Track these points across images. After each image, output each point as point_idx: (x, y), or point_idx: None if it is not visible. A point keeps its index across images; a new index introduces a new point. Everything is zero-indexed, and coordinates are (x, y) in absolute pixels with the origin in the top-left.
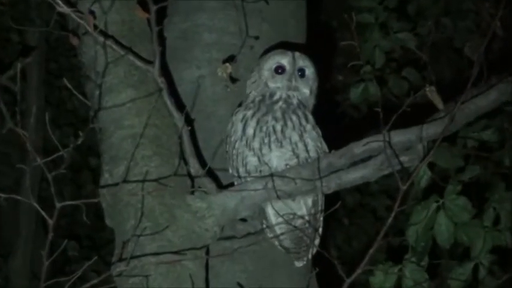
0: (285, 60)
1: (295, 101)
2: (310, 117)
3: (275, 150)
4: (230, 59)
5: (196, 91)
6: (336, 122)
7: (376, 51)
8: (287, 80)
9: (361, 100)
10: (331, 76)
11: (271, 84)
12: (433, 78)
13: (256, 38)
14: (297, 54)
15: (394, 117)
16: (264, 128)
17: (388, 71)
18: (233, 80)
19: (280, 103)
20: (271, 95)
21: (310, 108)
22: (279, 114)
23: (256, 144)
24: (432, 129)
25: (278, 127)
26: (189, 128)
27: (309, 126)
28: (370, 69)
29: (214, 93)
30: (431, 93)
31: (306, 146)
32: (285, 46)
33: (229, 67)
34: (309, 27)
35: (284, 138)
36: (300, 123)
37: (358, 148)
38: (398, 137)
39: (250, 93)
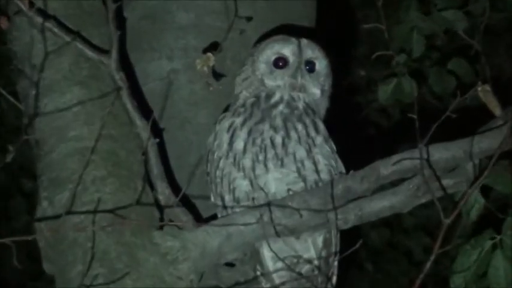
0: (287, 49)
1: (301, 105)
2: (322, 126)
3: (273, 170)
4: (213, 47)
5: (167, 90)
6: (357, 132)
7: (413, 36)
8: (291, 76)
9: (392, 102)
10: (351, 70)
11: (269, 82)
12: (488, 74)
13: (249, 19)
14: (304, 41)
15: (435, 125)
16: (259, 141)
17: (428, 63)
18: (217, 75)
19: (281, 107)
20: (269, 96)
21: (321, 115)
22: (279, 122)
23: (247, 163)
24: (486, 143)
25: (278, 139)
26: (158, 140)
27: (319, 139)
28: (404, 60)
29: (191, 93)
30: (485, 93)
31: (315, 165)
32: (288, 31)
33: (211, 58)
34: (320, 5)
35: (286, 155)
36: (308, 135)
37: (386, 168)
38: (441, 152)
39: (240, 93)
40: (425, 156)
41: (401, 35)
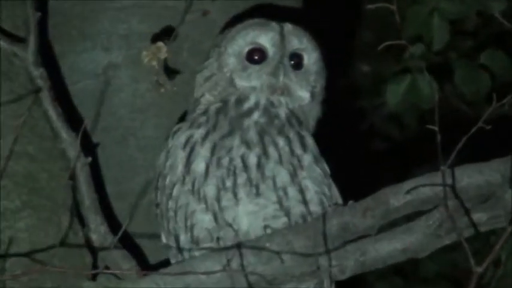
0: (266, 38)
1: (283, 112)
2: (311, 140)
3: (246, 201)
4: (165, 34)
5: (103, 92)
6: (359, 148)
7: (434, 20)
8: (270, 74)
9: (405, 108)
10: (352, 65)
11: (241, 82)
12: None
13: None
14: (289, 27)
15: (463, 139)
16: (226, 161)
17: (454, 55)
18: (170, 72)
19: (256, 116)
20: (240, 100)
21: (311, 125)
22: (253, 135)
23: (210, 191)
24: None
25: (252, 159)
26: (90, 159)
27: (307, 158)
28: (421, 51)
29: (135, 96)
30: None
31: (302, 193)
32: (267, 12)
33: (163, 49)
34: None
35: (263, 180)
36: (292, 153)
37: (397, 197)
38: (471, 176)
39: (201, 97)
40: (449, 181)
41: (417, 18)
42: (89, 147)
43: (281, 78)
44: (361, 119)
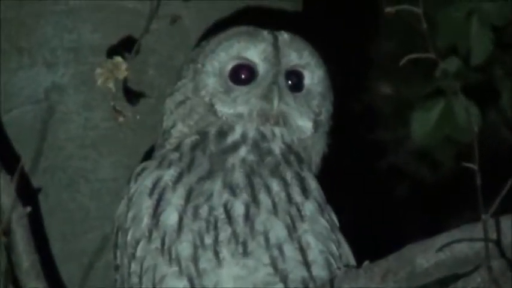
0: (255, 50)
1: (277, 148)
2: (314, 183)
3: (231, 263)
4: (125, 46)
5: (45, 122)
6: (377, 191)
7: (472, 28)
8: (261, 97)
9: (435, 140)
10: (367, 86)
11: (224, 109)
12: None
13: None
14: (285, 37)
15: (510, 181)
16: (204, 211)
17: (499, 72)
18: (132, 96)
19: (244, 152)
20: (223, 132)
21: (314, 163)
22: (239, 177)
23: (185, 250)
24: None
25: (238, 208)
26: (29, 209)
27: (309, 206)
28: (457, 67)
29: (87, 127)
30: None
31: (302, 252)
32: (257, 18)
33: (122, 66)
34: None
35: (252, 236)
36: (290, 199)
37: (425, 256)
38: None
39: (172, 128)
40: (493, 235)
41: (451, 23)
42: (28, 193)
43: (275, 102)
44: (381, 154)
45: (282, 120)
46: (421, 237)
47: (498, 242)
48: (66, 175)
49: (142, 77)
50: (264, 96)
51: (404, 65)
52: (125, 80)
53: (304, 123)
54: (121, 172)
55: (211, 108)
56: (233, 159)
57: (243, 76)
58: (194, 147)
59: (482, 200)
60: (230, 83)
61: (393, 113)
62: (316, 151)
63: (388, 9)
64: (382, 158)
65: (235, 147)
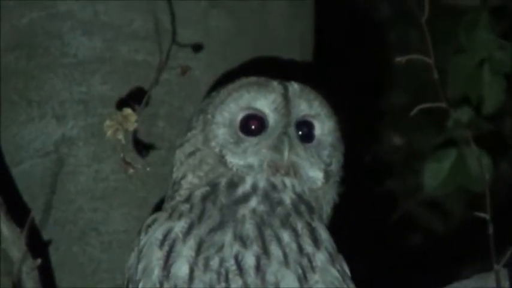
0: (265, 101)
1: (288, 198)
2: (325, 234)
3: None
4: (135, 97)
5: (55, 175)
6: (388, 241)
7: (484, 75)
8: (271, 148)
9: (447, 191)
10: (378, 137)
11: (234, 160)
12: None
13: (198, 48)
14: (295, 88)
15: None
16: (216, 263)
17: (511, 121)
18: (142, 148)
19: (254, 202)
20: (234, 183)
21: (325, 214)
22: (249, 228)
23: None
24: None
25: (249, 260)
26: (40, 261)
27: (321, 257)
28: (468, 117)
29: (97, 179)
30: None
31: None
32: (267, 69)
33: (131, 118)
34: (321, 23)
35: (263, 287)
36: (301, 250)
37: None
38: None
39: (183, 179)
40: (506, 285)
41: (462, 72)
42: (38, 246)
43: (286, 153)
44: (392, 205)
45: (293, 170)
46: (433, 287)
47: None
48: (77, 227)
49: (152, 128)
50: (274, 147)
51: (415, 116)
52: (135, 132)
53: (315, 174)
54: (131, 224)
55: (221, 159)
56: (243, 210)
57: (253, 127)
58: (204, 198)
59: (494, 249)
60: (240, 134)
61: (404, 163)
62: (327, 201)
63: (399, 59)
64: (394, 208)
65: (245, 198)
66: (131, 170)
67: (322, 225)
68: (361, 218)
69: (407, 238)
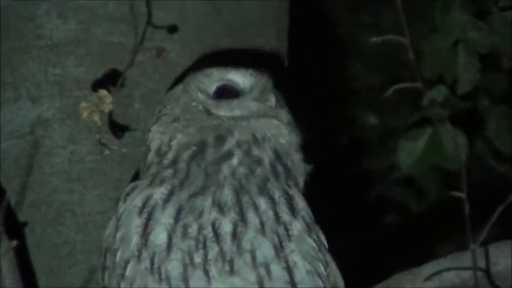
0: (238, 73)
1: (267, 158)
2: (302, 203)
3: (218, 281)
4: (110, 79)
5: (31, 156)
6: (366, 219)
7: (459, 56)
8: (256, 98)
9: (422, 169)
10: (353, 117)
11: (220, 113)
12: None
13: (173, 30)
14: (266, 81)
15: (498, 209)
16: (194, 230)
17: (486, 100)
18: (118, 129)
19: (236, 161)
20: (222, 137)
21: (300, 181)
22: (228, 195)
23: (175, 269)
24: None
25: (226, 227)
26: (15, 243)
27: (297, 226)
28: (443, 95)
29: (72, 161)
30: None
31: (289, 272)
32: (243, 56)
33: (107, 99)
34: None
35: (239, 254)
36: (278, 219)
37: (411, 285)
38: (509, 257)
39: (172, 140)
40: (482, 264)
41: (438, 52)
42: (14, 227)
43: (272, 99)
44: (368, 184)
45: (280, 119)
46: (409, 266)
47: (487, 271)
48: (52, 209)
49: (128, 110)
50: (259, 98)
51: (390, 96)
52: (110, 114)
53: (291, 138)
54: (107, 205)
55: (209, 112)
56: (225, 170)
57: (228, 96)
58: (191, 159)
59: (470, 228)
60: (217, 100)
61: (379, 143)
62: (300, 172)
63: (374, 39)
64: (370, 188)
65: (229, 154)
66: (107, 152)
67: (300, 194)
68: (337, 197)
69: (383, 217)
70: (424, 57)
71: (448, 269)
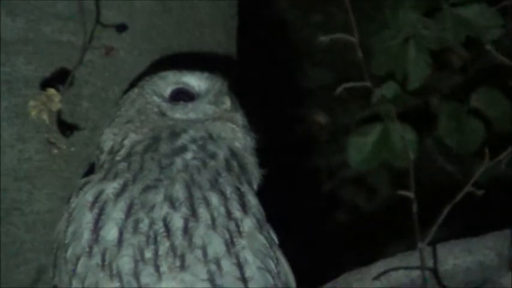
0: (194, 77)
1: (222, 153)
2: (254, 200)
3: (169, 276)
4: (58, 78)
5: None
6: (314, 218)
7: (410, 52)
8: (212, 102)
9: (371, 166)
10: (304, 116)
11: (175, 115)
12: None
13: (121, 28)
14: (221, 81)
15: (446, 208)
16: (145, 225)
17: (436, 97)
18: (66, 128)
19: (190, 155)
20: (175, 133)
21: (253, 177)
22: (180, 190)
23: (125, 264)
24: None
25: (177, 222)
26: None
27: (248, 222)
28: (393, 92)
29: (20, 159)
30: None
31: (240, 268)
32: (196, 58)
33: (55, 98)
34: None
35: (190, 249)
36: (229, 215)
37: (360, 284)
38: (457, 257)
39: (124, 139)
40: (430, 263)
41: (388, 50)
42: None
43: (228, 102)
44: (318, 182)
45: (235, 122)
46: (358, 264)
47: (434, 270)
48: (0, 208)
49: (76, 108)
50: (214, 101)
51: (340, 94)
52: (59, 112)
53: (246, 141)
54: (55, 204)
55: (163, 114)
56: (179, 164)
57: (182, 102)
58: (145, 151)
59: (419, 227)
60: (172, 103)
61: (329, 141)
62: (254, 175)
63: (323, 38)
64: (320, 185)
65: (183, 148)
66: (55, 150)
67: (252, 191)
68: (287, 195)
69: (333, 215)
70: (375, 54)
71: (396, 268)
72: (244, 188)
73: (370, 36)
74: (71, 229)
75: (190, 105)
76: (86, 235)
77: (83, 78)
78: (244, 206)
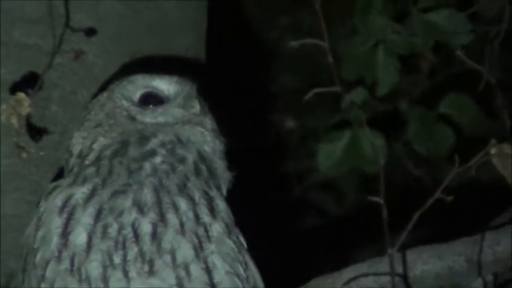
0: (162, 80)
1: (191, 157)
2: (222, 205)
3: (137, 282)
4: (27, 82)
5: None
6: (283, 223)
7: (379, 57)
8: (181, 105)
9: (340, 171)
10: (272, 120)
11: (145, 119)
12: (509, 123)
13: (91, 32)
14: (189, 85)
15: (417, 214)
16: (114, 230)
17: (405, 103)
18: (36, 131)
19: (159, 159)
20: (145, 137)
21: (223, 183)
22: (148, 194)
23: (94, 270)
24: (505, 244)
25: (145, 227)
26: None
27: (217, 227)
28: (362, 98)
29: None
30: (502, 157)
31: (208, 272)
32: (166, 62)
33: (24, 102)
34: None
35: (158, 254)
36: (198, 219)
37: None
38: (426, 263)
39: (93, 143)
40: (399, 269)
41: (357, 55)
42: None
43: (197, 106)
44: (287, 187)
45: (203, 126)
46: (328, 269)
47: (404, 276)
48: None
49: (46, 112)
50: (183, 105)
51: (309, 99)
52: (28, 116)
53: (215, 144)
54: (24, 208)
55: (133, 118)
56: (147, 169)
57: (151, 105)
58: (114, 155)
59: (388, 233)
60: (142, 107)
61: (297, 146)
62: (224, 179)
63: (293, 43)
64: (289, 190)
65: (153, 152)
66: (24, 154)
67: (221, 196)
68: (255, 199)
69: (302, 220)
70: (344, 59)
71: (365, 275)
72: (213, 193)
73: (340, 40)
74: (40, 234)
75: (159, 109)
76: (55, 240)
77: (52, 81)
78: (212, 211)
